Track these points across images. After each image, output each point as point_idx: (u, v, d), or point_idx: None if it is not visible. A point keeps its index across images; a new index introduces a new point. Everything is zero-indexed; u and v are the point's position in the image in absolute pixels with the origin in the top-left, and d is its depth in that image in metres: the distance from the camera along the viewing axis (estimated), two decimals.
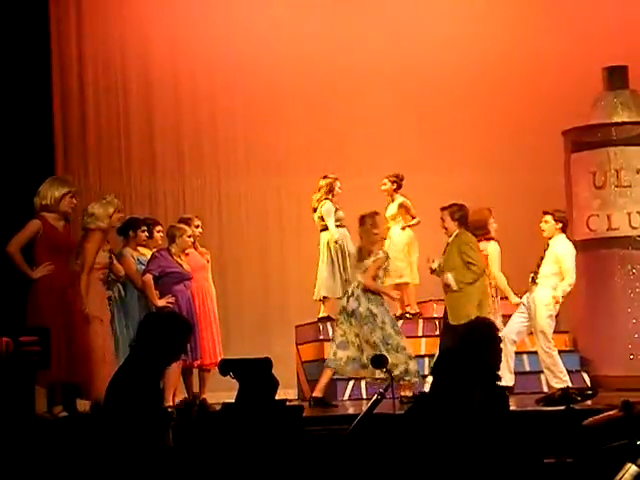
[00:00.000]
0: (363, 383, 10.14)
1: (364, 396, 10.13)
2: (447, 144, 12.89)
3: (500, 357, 5.56)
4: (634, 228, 10.68)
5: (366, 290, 9.15)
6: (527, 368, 10.50)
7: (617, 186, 10.71)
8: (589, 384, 10.03)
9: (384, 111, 12.85)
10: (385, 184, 11.48)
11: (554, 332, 10.01)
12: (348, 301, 9.19)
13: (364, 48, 12.92)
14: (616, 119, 10.89)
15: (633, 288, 10.59)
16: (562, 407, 7.62)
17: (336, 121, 12.79)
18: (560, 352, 10.74)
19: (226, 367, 4.84)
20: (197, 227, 9.69)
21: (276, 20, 12.76)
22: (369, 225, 9.25)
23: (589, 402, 7.84)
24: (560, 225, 9.82)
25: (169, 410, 4.60)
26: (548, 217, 9.82)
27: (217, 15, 12.73)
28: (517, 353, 9.99)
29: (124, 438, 4.14)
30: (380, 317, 9.08)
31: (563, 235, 9.82)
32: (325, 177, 11.06)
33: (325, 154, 12.48)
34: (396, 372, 8.77)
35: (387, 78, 12.90)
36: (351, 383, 10.25)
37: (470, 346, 6.03)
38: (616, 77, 11.08)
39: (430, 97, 12.94)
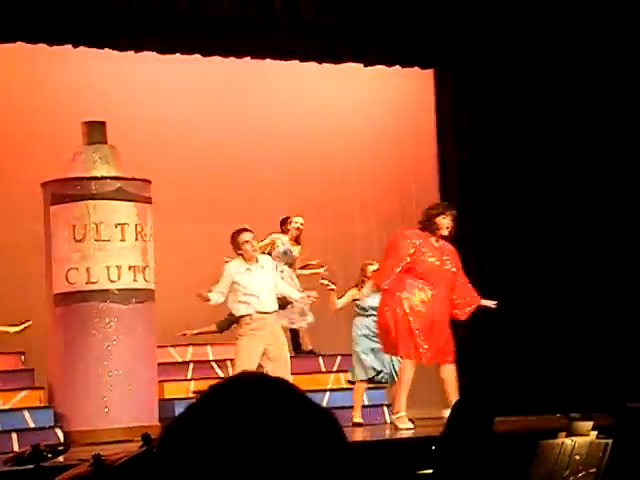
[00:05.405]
0: None
1: None
2: None
3: None
4: (113, 281, 10.75)
5: None
6: None
7: (97, 240, 10.74)
8: (63, 440, 9.89)
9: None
10: None
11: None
12: None
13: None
14: (95, 173, 10.94)
15: (111, 341, 10.64)
16: (32, 465, 7.43)
17: None
18: (33, 409, 10.54)
19: None
20: None
21: None
22: None
23: (61, 458, 7.73)
24: None
25: None
26: None
27: None
28: None
29: None
30: None
31: None
32: None
33: None
34: None
35: None
36: None
37: None
38: (95, 132, 11.16)
39: None
